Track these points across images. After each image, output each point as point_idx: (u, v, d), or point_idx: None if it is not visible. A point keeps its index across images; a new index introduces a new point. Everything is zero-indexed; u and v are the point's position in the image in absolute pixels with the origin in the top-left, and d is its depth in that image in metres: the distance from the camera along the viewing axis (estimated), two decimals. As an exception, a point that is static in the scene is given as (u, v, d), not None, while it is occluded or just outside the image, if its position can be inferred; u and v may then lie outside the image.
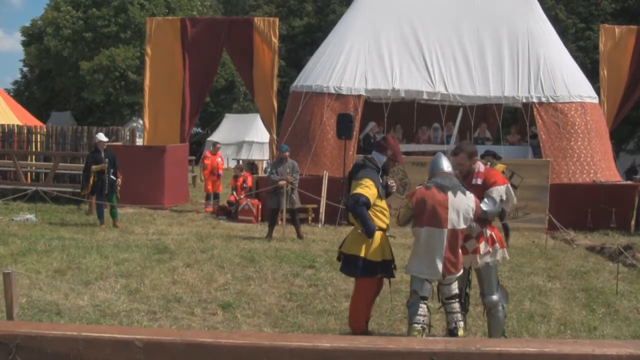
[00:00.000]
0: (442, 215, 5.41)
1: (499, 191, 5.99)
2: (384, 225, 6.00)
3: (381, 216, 6.01)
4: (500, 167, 11.84)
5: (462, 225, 5.47)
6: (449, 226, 5.42)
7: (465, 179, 6.19)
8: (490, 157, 11.89)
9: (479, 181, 6.12)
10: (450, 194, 5.45)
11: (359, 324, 6.09)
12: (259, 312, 6.99)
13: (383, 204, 6.08)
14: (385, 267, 5.97)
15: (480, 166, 6.26)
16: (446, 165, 5.75)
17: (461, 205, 5.45)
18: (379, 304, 7.27)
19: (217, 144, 17.65)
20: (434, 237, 5.46)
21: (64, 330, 2.43)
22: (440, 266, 5.45)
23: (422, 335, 5.40)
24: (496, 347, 2.27)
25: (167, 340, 2.35)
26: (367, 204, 5.80)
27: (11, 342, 2.34)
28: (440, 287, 5.65)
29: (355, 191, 5.86)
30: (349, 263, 6.01)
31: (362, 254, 5.86)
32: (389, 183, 6.25)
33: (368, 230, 5.81)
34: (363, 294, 6.05)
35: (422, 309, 5.51)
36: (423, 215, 5.48)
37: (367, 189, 5.83)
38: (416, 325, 5.46)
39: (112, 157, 12.84)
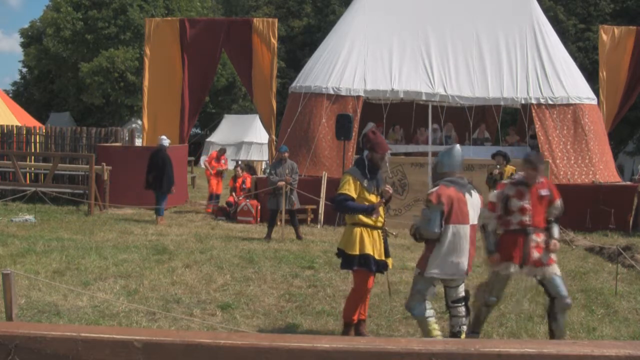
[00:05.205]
0: (465, 211, 5.49)
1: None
2: (368, 220, 5.99)
3: None
4: (509, 168, 11.82)
5: (476, 222, 5.59)
6: (470, 222, 5.52)
7: None
8: (501, 157, 11.87)
9: None
10: (465, 192, 5.55)
11: (348, 314, 6.16)
12: (258, 312, 6.99)
13: (371, 197, 6.03)
14: (363, 261, 5.95)
15: None
16: (458, 165, 5.77)
17: (474, 203, 5.57)
18: (378, 305, 7.28)
19: (222, 148, 17.92)
20: (459, 234, 5.44)
21: (63, 331, 2.43)
22: (465, 263, 5.47)
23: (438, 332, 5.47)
24: (495, 347, 2.27)
25: (166, 341, 2.35)
26: (345, 200, 5.95)
27: (10, 343, 2.34)
28: (448, 289, 5.62)
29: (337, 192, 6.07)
30: (340, 256, 6.22)
31: (342, 247, 6.09)
32: (385, 189, 6.15)
33: (365, 212, 5.93)
34: (355, 286, 6.14)
35: (430, 306, 5.53)
36: (451, 213, 5.47)
37: (345, 185, 6.00)
38: (431, 318, 5.48)
39: None
